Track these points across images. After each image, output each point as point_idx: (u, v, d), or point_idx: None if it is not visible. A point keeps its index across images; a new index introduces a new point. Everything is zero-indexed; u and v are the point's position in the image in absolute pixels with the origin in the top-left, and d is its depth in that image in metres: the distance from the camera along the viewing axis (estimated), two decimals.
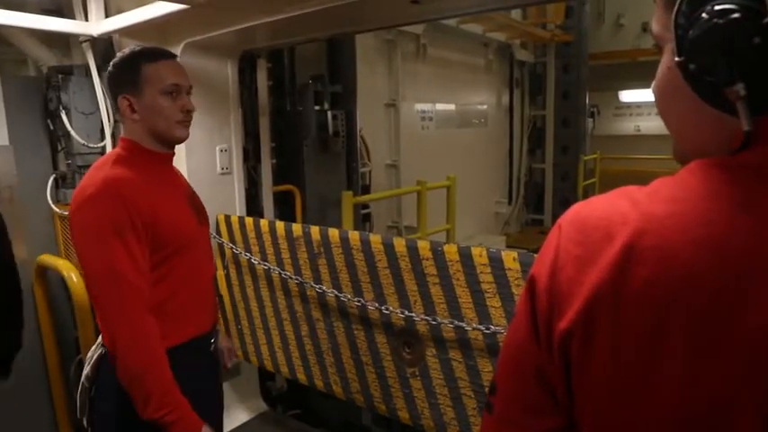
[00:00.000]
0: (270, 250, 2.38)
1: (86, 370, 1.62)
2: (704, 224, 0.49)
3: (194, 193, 1.76)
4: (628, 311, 0.51)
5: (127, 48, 1.58)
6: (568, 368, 0.56)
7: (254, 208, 3.15)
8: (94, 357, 1.60)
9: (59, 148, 2.89)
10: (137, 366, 1.39)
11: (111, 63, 1.56)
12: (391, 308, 1.98)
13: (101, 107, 2.75)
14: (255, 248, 2.44)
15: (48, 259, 2.81)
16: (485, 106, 6.73)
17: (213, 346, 1.76)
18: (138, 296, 1.40)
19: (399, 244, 1.94)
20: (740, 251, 0.48)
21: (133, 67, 1.52)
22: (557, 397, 0.58)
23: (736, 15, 0.48)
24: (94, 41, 2.64)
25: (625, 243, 0.52)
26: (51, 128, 2.88)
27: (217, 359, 1.80)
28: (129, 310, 1.39)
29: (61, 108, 2.76)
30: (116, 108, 1.58)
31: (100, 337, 1.61)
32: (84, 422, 1.65)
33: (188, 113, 1.58)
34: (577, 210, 0.58)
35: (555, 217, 8.23)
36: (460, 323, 1.80)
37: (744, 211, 0.49)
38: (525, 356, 0.59)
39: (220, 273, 2.62)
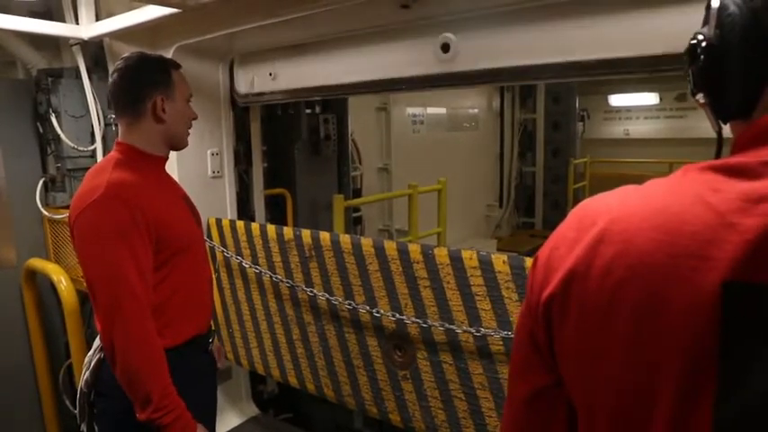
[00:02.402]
0: (261, 254, 2.38)
1: (85, 375, 1.62)
2: (664, 214, 0.57)
3: (187, 195, 1.80)
4: (593, 281, 0.60)
5: (133, 53, 1.61)
6: (551, 331, 0.65)
7: (245, 211, 3.15)
8: (93, 362, 1.60)
9: (49, 151, 2.88)
10: (136, 368, 1.41)
11: (135, 64, 1.57)
12: (382, 311, 1.99)
13: (91, 110, 2.74)
14: (247, 252, 2.44)
15: (37, 263, 2.79)
16: (476, 110, 6.76)
17: (211, 345, 1.79)
18: (139, 299, 1.42)
19: (390, 247, 1.95)
20: (688, 238, 0.55)
21: (166, 70, 1.59)
22: (544, 358, 0.68)
23: (692, 41, 0.64)
24: (85, 44, 2.63)
25: (601, 228, 0.61)
26: (41, 131, 2.87)
27: (214, 359, 1.83)
28: (128, 312, 1.40)
29: (51, 111, 2.75)
30: (136, 108, 1.56)
31: (97, 341, 1.61)
32: (84, 427, 1.66)
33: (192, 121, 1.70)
34: (582, 204, 0.69)
35: (546, 220, 8.18)
36: (451, 326, 1.81)
37: (698, 203, 0.56)
38: (523, 324, 0.71)
39: (212, 276, 2.61)
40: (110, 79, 1.59)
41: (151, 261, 1.49)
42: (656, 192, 0.61)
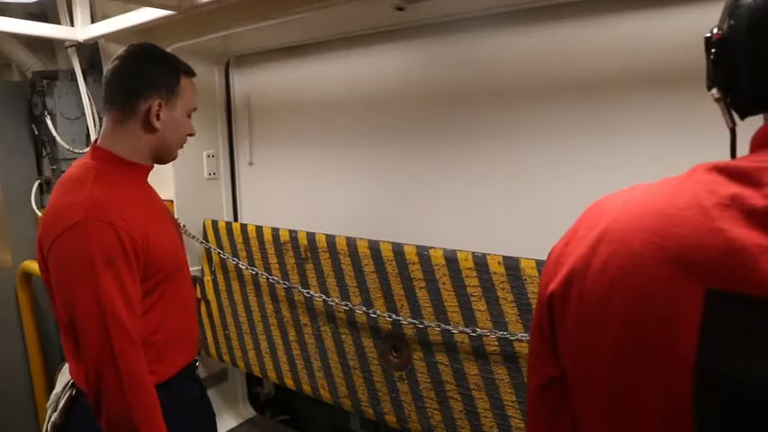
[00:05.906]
0: (257, 255, 2.38)
1: (53, 417, 1.42)
2: (659, 216, 0.57)
3: (168, 209, 1.62)
4: (590, 281, 0.61)
5: (145, 42, 1.45)
6: (554, 324, 0.66)
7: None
8: (62, 402, 1.41)
9: (44, 153, 2.88)
10: (129, 419, 1.22)
11: (142, 56, 1.39)
12: (378, 312, 1.99)
13: (86, 112, 2.73)
14: (243, 253, 2.44)
15: (32, 265, 2.79)
16: None
17: (197, 370, 1.62)
18: (132, 339, 1.24)
19: (386, 248, 1.96)
20: (676, 241, 0.54)
21: (174, 74, 1.41)
22: (550, 350, 0.69)
23: (706, 35, 0.62)
24: (80, 47, 2.63)
25: (603, 227, 0.61)
26: (36, 133, 2.87)
27: (201, 384, 1.67)
28: (121, 357, 1.21)
29: (46, 113, 2.75)
30: (129, 104, 1.37)
31: (66, 376, 1.44)
32: None
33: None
34: (598, 200, 0.69)
35: None
36: (447, 327, 1.82)
37: (693, 206, 0.55)
38: (536, 315, 0.72)
39: (208, 278, 2.61)
40: (110, 65, 1.39)
41: (139, 291, 1.30)
42: (660, 191, 0.60)
